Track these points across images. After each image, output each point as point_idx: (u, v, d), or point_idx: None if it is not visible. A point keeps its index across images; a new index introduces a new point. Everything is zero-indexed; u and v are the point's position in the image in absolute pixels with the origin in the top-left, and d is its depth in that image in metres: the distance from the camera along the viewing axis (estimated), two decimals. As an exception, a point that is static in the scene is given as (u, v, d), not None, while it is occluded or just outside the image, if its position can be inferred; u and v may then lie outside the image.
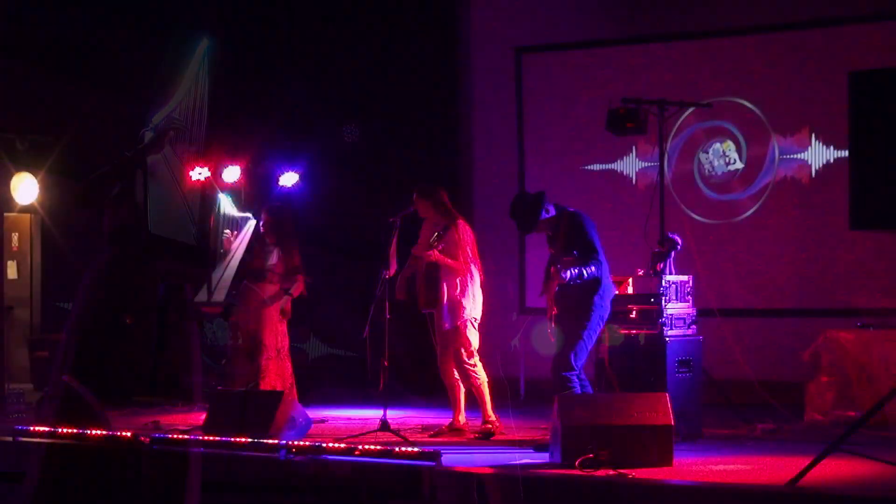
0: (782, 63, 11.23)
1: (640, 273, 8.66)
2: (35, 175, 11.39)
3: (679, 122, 11.40)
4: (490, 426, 8.57)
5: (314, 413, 8.94)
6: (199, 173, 10.77)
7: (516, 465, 7.09)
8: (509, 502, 6.39)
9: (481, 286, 8.70)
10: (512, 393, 9.00)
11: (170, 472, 7.13)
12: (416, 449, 6.84)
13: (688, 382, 8.45)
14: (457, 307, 8.57)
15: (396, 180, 11.11)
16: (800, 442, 8.10)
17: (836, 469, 6.56)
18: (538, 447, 7.68)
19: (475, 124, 12.71)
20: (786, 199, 11.20)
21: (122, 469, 7.34)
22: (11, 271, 11.63)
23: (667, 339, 8.39)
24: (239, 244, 10.27)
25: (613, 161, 11.91)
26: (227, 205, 10.52)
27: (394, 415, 9.14)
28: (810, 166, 11.11)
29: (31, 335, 11.77)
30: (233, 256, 10.22)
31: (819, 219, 11.00)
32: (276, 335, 9.56)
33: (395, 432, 8.34)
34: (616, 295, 8.11)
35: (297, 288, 9.62)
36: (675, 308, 8.53)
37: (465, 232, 8.64)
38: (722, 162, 11.47)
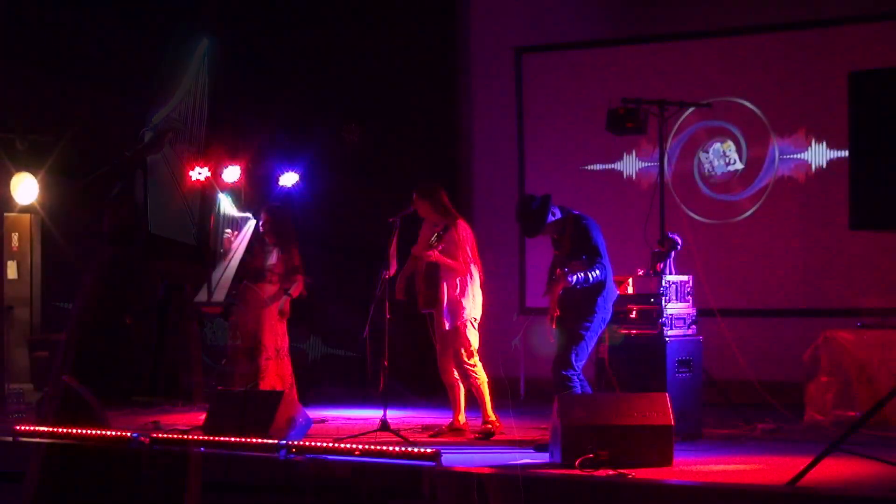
0: (782, 63, 11.24)
1: (640, 273, 8.66)
2: (35, 175, 11.40)
3: (679, 122, 11.40)
4: (490, 426, 8.57)
5: (314, 413, 8.93)
6: (199, 173, 10.77)
7: (516, 465, 7.09)
8: (509, 502, 6.39)
9: (481, 286, 8.70)
10: (512, 393, 9.00)
11: (170, 472, 7.13)
12: (416, 449, 6.84)
13: (688, 382, 8.45)
14: (457, 307, 8.57)
15: (396, 180, 11.10)
16: (800, 442, 8.10)
17: (836, 469, 6.56)
18: (538, 447, 7.68)
19: (475, 124, 12.71)
20: (786, 199, 11.20)
21: (121, 469, 7.34)
22: (11, 271, 11.64)
23: (667, 339, 8.39)
24: (239, 244, 10.27)
25: (613, 161, 11.91)
26: (227, 205, 10.52)
27: (394, 415, 9.14)
28: (810, 166, 11.12)
29: (31, 335, 11.78)
30: (233, 256, 10.22)
31: (819, 219, 11.00)
32: (276, 335, 9.57)
33: (395, 432, 8.34)
34: (617, 295, 8.12)
35: (297, 288, 9.62)
36: (675, 308, 8.53)
37: (464, 232, 8.64)
38: (722, 162, 11.47)
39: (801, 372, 9.52)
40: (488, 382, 8.67)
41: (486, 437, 8.48)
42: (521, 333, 11.51)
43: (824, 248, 10.98)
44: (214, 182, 10.71)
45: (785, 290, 11.16)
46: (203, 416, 8.58)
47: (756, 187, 11.31)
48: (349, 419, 9.70)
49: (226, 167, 10.80)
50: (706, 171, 11.53)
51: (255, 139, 11.46)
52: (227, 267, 10.17)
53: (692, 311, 8.67)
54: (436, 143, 12.41)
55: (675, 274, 8.67)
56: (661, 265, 8.66)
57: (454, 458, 7.09)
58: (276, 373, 9.50)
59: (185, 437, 7.98)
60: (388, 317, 8.57)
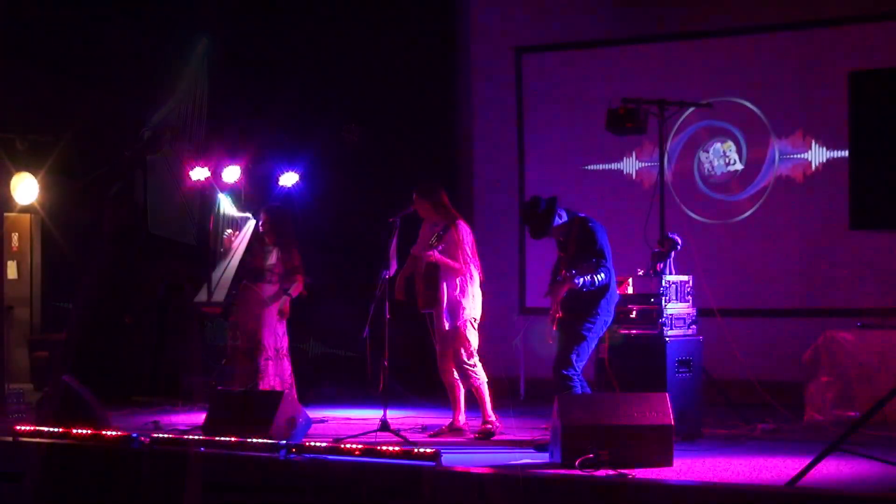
0: (782, 63, 11.23)
1: (640, 273, 8.66)
2: (35, 175, 11.39)
3: (679, 122, 11.39)
4: (490, 426, 8.57)
5: (314, 413, 8.93)
6: (199, 173, 10.76)
7: (516, 465, 7.09)
8: (509, 502, 6.38)
9: (481, 286, 8.70)
10: (512, 393, 9.00)
11: (170, 472, 7.13)
12: (416, 449, 6.85)
13: (688, 382, 8.46)
14: (456, 307, 8.57)
15: (396, 180, 11.10)
16: (800, 442, 8.10)
17: (836, 469, 6.56)
18: (538, 447, 7.68)
19: (475, 124, 12.70)
20: (786, 199, 11.19)
21: (121, 469, 7.34)
22: (11, 271, 11.64)
23: (667, 339, 8.40)
24: (239, 244, 10.27)
25: (613, 161, 11.90)
26: (226, 205, 10.51)
27: (394, 415, 9.14)
28: (810, 166, 11.11)
29: (31, 335, 11.78)
30: (232, 256, 10.22)
31: (819, 219, 10.99)
32: (275, 335, 9.56)
33: (395, 432, 8.34)
34: (619, 298, 8.12)
35: (297, 288, 9.62)
36: (675, 308, 8.53)
37: (464, 232, 8.64)
38: (722, 162, 11.47)
39: (801, 372, 9.52)
40: (488, 382, 8.67)
41: (486, 438, 8.48)
42: (522, 333, 11.51)
43: (824, 248, 10.97)
44: (214, 182, 10.70)
45: (785, 290, 11.15)
46: (203, 416, 8.58)
47: (756, 187, 11.31)
48: (349, 419, 9.70)
49: (226, 167, 10.79)
50: (706, 171, 11.53)
51: (255, 139, 11.45)
52: (226, 267, 10.16)
53: (692, 311, 8.67)
54: (436, 143, 12.40)
55: (675, 274, 8.67)
56: (661, 265, 8.66)
57: (454, 459, 7.09)
58: (276, 373, 9.50)
59: (185, 437, 8.00)
60: (388, 317, 8.57)
